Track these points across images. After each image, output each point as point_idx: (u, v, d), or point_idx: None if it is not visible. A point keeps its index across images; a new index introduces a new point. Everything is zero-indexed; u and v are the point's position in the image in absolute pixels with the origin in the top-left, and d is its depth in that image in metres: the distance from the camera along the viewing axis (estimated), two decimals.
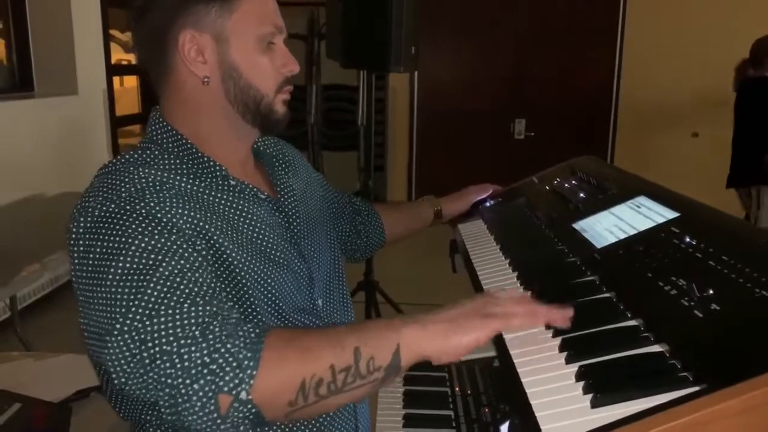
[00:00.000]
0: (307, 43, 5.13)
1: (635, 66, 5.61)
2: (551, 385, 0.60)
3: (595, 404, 0.54)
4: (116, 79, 4.85)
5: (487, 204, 1.32)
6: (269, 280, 0.88)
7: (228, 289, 0.84)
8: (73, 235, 0.80)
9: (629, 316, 0.68)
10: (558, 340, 0.68)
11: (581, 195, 1.09)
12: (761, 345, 0.51)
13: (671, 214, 0.85)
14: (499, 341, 0.73)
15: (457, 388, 1.23)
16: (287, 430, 0.90)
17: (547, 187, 1.22)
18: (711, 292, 0.61)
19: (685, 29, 5.44)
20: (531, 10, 5.68)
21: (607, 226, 0.91)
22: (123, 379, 0.72)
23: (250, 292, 0.85)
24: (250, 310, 0.85)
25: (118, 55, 5.14)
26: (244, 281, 0.85)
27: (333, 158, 5.63)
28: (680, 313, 0.61)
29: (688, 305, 0.62)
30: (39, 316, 3.48)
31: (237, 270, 0.85)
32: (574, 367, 0.61)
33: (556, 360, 0.64)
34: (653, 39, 5.51)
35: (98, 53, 4.52)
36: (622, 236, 0.86)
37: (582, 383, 0.58)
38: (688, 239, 0.75)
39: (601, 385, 0.56)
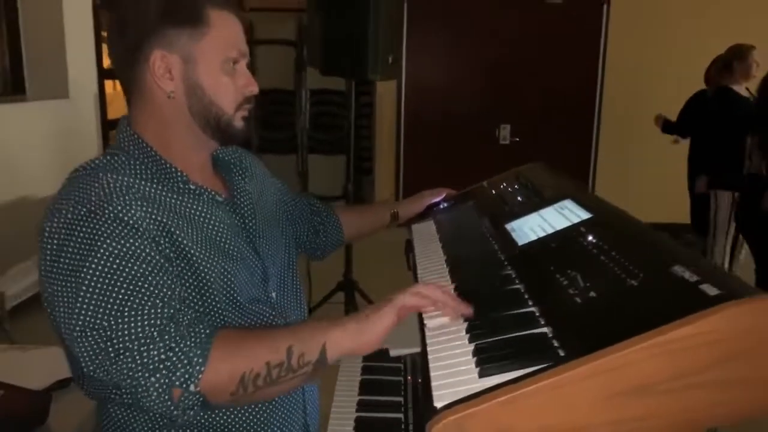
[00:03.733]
0: (296, 49, 5.23)
1: (618, 72, 5.73)
2: (452, 360, 0.70)
3: (481, 374, 0.64)
4: (109, 83, 4.92)
5: (441, 206, 1.41)
6: (226, 274, 0.97)
7: (189, 282, 0.93)
8: (46, 235, 0.88)
9: (530, 303, 0.77)
10: (466, 324, 0.77)
11: (518, 198, 1.18)
12: (615, 325, 0.61)
13: (585, 216, 0.94)
14: (422, 328, 0.83)
15: (410, 377, 1.32)
16: (237, 412, 0.99)
17: (494, 191, 1.32)
18: (590, 283, 0.70)
19: (669, 36, 5.56)
20: (516, 17, 5.79)
21: (532, 226, 1.01)
22: (91, 368, 0.84)
23: (209, 284, 0.95)
24: (209, 300, 0.95)
25: None
26: (203, 275, 0.95)
27: (322, 161, 5.74)
28: (566, 301, 0.71)
29: (573, 294, 0.71)
30: (28, 315, 3.55)
31: (197, 265, 0.94)
32: (473, 347, 0.71)
33: (463, 340, 0.74)
34: (636, 45, 5.63)
35: (90, 57, 4.61)
36: (542, 235, 0.95)
37: (476, 359, 0.68)
38: (590, 237, 0.85)
39: (489, 359, 0.66)
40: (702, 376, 0.56)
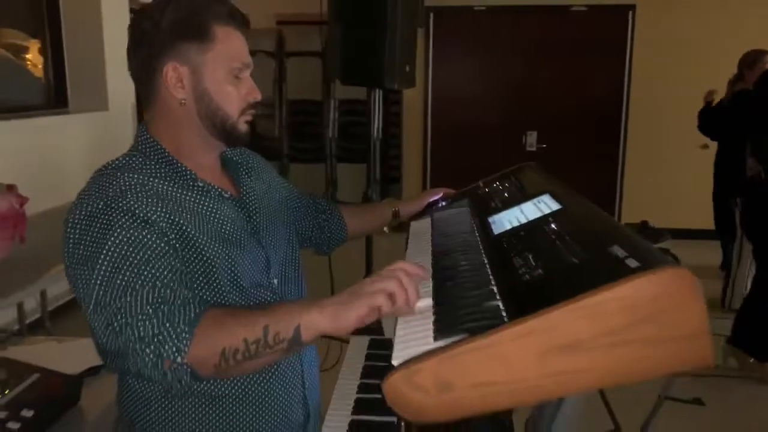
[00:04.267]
0: (324, 60, 5.38)
1: (644, 78, 5.73)
2: (415, 329, 0.79)
3: (435, 338, 0.73)
4: None
5: (440, 205, 1.50)
6: (231, 261, 1.09)
7: (197, 268, 1.05)
8: (69, 226, 1.03)
9: (492, 283, 0.86)
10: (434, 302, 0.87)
11: (505, 195, 1.27)
12: (550, 294, 0.69)
13: (556, 207, 1.03)
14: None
15: None
16: (240, 383, 1.11)
17: (486, 190, 1.41)
18: (540, 263, 0.79)
19: (694, 41, 5.54)
20: (540, 24, 5.84)
21: (510, 218, 1.10)
22: (103, 340, 0.97)
23: (215, 270, 1.07)
24: (215, 285, 1.07)
25: None
26: (210, 261, 1.06)
27: (350, 170, 5.87)
28: (517, 279, 0.80)
29: (524, 272, 0.80)
30: (68, 317, 3.75)
31: (204, 253, 1.06)
32: (434, 318, 0.80)
33: (429, 317, 0.83)
34: (662, 50, 5.63)
35: (127, 73, 4.82)
36: (516, 225, 1.04)
37: (433, 327, 0.77)
38: (553, 225, 0.93)
39: (444, 327, 0.75)
40: (621, 336, 0.64)
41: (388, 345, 1.45)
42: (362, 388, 1.34)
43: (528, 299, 0.72)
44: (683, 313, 0.63)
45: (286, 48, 5.96)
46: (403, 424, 1.09)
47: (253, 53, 1.16)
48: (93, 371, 1.63)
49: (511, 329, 0.65)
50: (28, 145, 3.74)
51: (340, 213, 1.48)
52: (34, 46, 4.43)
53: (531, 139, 5.93)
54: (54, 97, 4.41)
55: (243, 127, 1.14)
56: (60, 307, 3.77)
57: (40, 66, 4.41)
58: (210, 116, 1.11)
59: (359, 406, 1.25)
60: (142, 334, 0.92)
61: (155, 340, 0.92)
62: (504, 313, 0.74)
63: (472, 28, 5.89)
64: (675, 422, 2.95)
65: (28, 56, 4.42)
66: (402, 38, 2.71)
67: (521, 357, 0.66)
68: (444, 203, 1.50)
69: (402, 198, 5.99)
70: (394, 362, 0.70)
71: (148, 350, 0.92)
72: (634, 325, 0.64)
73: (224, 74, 1.10)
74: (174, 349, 0.91)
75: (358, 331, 1.54)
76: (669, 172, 5.73)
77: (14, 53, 4.26)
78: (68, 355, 1.77)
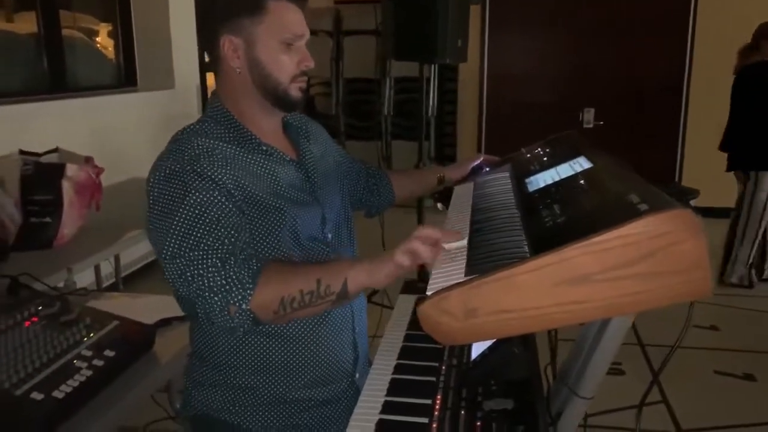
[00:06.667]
0: (378, 38, 5.46)
1: (708, 54, 5.56)
2: (449, 268, 0.89)
3: (466, 273, 0.83)
4: (210, 75, 5.34)
5: (484, 170, 1.59)
6: (292, 218, 1.21)
7: (261, 224, 1.18)
8: (150, 185, 1.16)
9: (521, 231, 0.95)
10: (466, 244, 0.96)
11: (544, 159, 1.34)
12: (567, 235, 0.78)
13: (588, 166, 1.10)
14: None
15: None
16: (295, 326, 1.24)
17: (528, 155, 1.48)
18: (563, 211, 0.87)
19: (759, 16, 5.34)
20: None
21: (546, 178, 1.17)
22: (175, 287, 1.12)
23: (277, 225, 1.19)
24: (277, 238, 1.19)
25: None
26: (273, 219, 1.19)
27: (404, 147, 5.94)
28: (542, 225, 0.88)
29: (548, 220, 0.88)
30: (140, 281, 4.02)
31: (268, 211, 1.19)
32: (466, 259, 0.90)
33: (463, 259, 0.93)
34: (727, 26, 5.44)
35: (192, 52, 5.03)
36: (549, 183, 1.12)
37: (466, 266, 0.86)
38: (581, 181, 1.01)
39: (474, 263, 0.84)
40: (626, 270, 0.72)
41: (419, 301, 1.56)
42: (408, 338, 1.45)
43: (547, 240, 0.80)
44: (683, 249, 0.71)
45: (344, 27, 6.06)
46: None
47: (312, 32, 1.27)
48: (165, 322, 1.79)
49: (528, 263, 0.74)
50: (100, 121, 3.99)
51: (388, 177, 1.58)
52: (104, 29, 4.68)
53: (588, 116, 5.86)
54: (124, 76, 4.66)
55: (295, 93, 1.25)
56: (133, 273, 4.04)
57: (109, 48, 4.66)
58: (263, 83, 1.22)
59: (404, 353, 1.35)
60: (211, 283, 1.06)
61: (223, 289, 1.05)
62: (528, 252, 0.83)
63: (530, 3, 5.84)
64: (727, 396, 2.96)
65: (98, 39, 4.68)
66: (454, 13, 2.77)
67: (536, 288, 0.75)
68: (488, 169, 1.58)
69: None
70: (428, 292, 0.80)
71: (216, 298, 1.05)
72: (638, 260, 0.72)
73: (276, 44, 1.20)
74: (239, 297, 1.05)
75: (407, 290, 1.65)
76: None
77: (87, 36, 4.52)
78: (142, 308, 1.94)
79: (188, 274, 1.07)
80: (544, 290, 0.74)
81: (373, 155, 5.99)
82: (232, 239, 1.09)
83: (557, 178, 1.12)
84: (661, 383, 2.74)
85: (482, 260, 0.87)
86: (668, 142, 5.87)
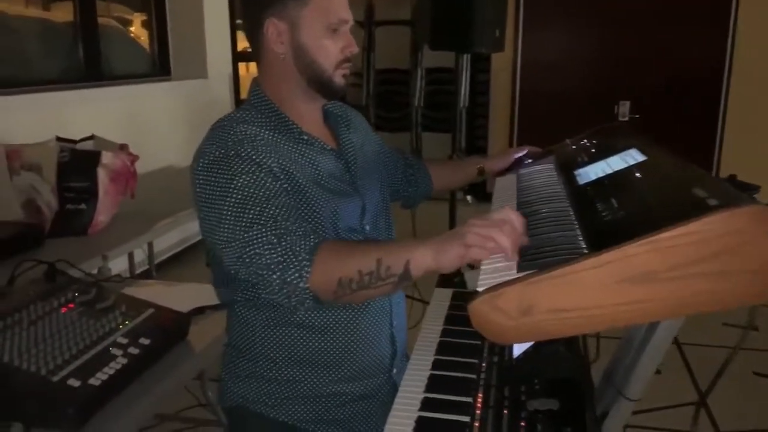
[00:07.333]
0: (412, 29, 5.40)
1: (750, 44, 5.39)
2: (499, 264, 0.85)
3: (519, 269, 0.79)
4: (242, 65, 5.38)
5: (526, 162, 1.54)
6: (332, 206, 1.19)
7: (302, 211, 1.15)
8: (195, 172, 1.14)
9: (576, 225, 0.91)
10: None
11: (592, 150, 1.29)
12: (629, 231, 0.74)
13: (641, 159, 1.05)
14: None
15: None
16: (332, 315, 1.20)
17: (573, 147, 1.43)
18: (622, 205, 0.83)
19: None
20: None
21: (596, 170, 1.13)
22: (233, 270, 1.10)
23: (317, 214, 1.17)
24: (317, 226, 1.16)
25: (245, 44, 5.67)
26: (313, 206, 1.17)
27: (435, 139, 5.89)
28: (599, 220, 0.84)
29: (606, 215, 0.84)
30: (173, 268, 4.05)
31: (309, 199, 1.16)
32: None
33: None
34: None
35: (225, 42, 5.07)
36: (601, 176, 1.07)
37: (518, 261, 0.83)
38: (637, 174, 0.96)
39: (527, 259, 0.80)
40: (693, 269, 0.68)
41: (470, 297, 1.52)
42: (445, 332, 1.41)
43: (607, 235, 0.76)
44: (756, 247, 0.66)
45: (375, 17, 6.02)
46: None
47: None
48: (200, 311, 1.79)
49: (590, 259, 0.70)
50: (134, 110, 4.02)
51: (426, 168, 1.55)
52: (138, 19, 4.71)
53: (623, 109, 5.74)
54: (158, 65, 4.69)
55: (339, 80, 1.22)
56: (166, 260, 4.07)
57: (143, 37, 4.69)
58: (307, 70, 1.20)
59: (442, 348, 1.32)
60: (268, 261, 1.03)
61: (280, 267, 1.02)
62: (585, 248, 0.79)
63: None
64: (766, 398, 2.88)
65: (133, 29, 4.71)
66: (492, 1, 2.71)
67: (597, 285, 0.70)
68: (530, 161, 1.54)
69: None
70: (479, 288, 0.77)
71: (274, 276, 1.03)
72: (707, 258, 0.67)
73: (321, 29, 1.18)
74: (297, 275, 1.01)
75: (443, 284, 1.62)
76: None
77: (122, 26, 4.56)
78: (177, 297, 1.94)
79: (245, 255, 1.06)
80: (605, 288, 0.70)
81: (403, 147, 5.96)
82: (285, 215, 1.07)
83: (609, 171, 1.08)
84: (698, 383, 2.67)
85: (535, 256, 0.83)
86: (706, 137, 5.72)
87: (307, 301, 1.03)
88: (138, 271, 3.25)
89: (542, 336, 0.73)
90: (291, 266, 1.02)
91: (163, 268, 3.96)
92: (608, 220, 0.82)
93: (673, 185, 0.84)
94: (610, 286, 0.70)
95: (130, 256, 2.95)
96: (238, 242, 1.06)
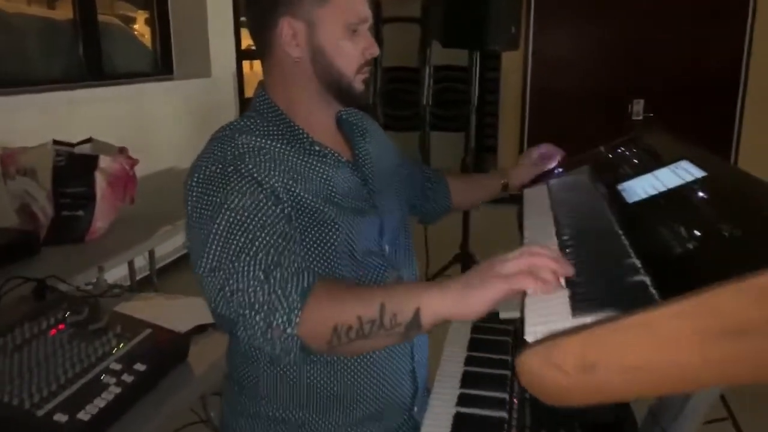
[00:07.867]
0: (421, 26, 5.26)
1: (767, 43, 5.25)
2: (548, 303, 0.72)
3: (574, 314, 0.66)
4: (246, 64, 5.26)
5: (555, 172, 1.41)
6: (347, 227, 1.06)
7: (312, 234, 1.02)
8: (188, 188, 1.01)
9: (632, 255, 0.78)
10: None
11: (634, 161, 1.16)
12: (711, 271, 0.61)
13: (700, 174, 0.92)
14: None
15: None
16: (348, 362, 1.08)
17: (610, 156, 1.30)
18: (691, 233, 0.70)
19: None
20: None
21: (645, 186, 1.00)
22: (212, 305, 0.95)
23: (330, 236, 1.04)
24: (330, 251, 1.03)
25: (249, 41, 5.55)
26: (325, 227, 1.03)
27: (444, 138, 5.76)
28: (667, 252, 0.71)
29: (674, 245, 0.71)
30: (172, 276, 3.93)
31: (320, 219, 1.03)
32: (569, 291, 0.73)
33: (562, 290, 0.76)
34: None
35: (229, 40, 4.94)
36: (653, 193, 0.94)
37: (571, 302, 0.70)
38: (700, 194, 0.83)
39: (584, 301, 0.68)
40: None
41: (493, 318, 1.39)
42: (469, 361, 1.29)
43: (683, 274, 0.63)
44: None
45: (383, 14, 5.88)
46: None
47: None
48: (201, 329, 1.67)
49: (670, 308, 0.57)
50: (136, 109, 3.91)
51: (446, 183, 1.42)
52: (141, 16, 4.60)
53: (637, 108, 5.58)
54: (161, 64, 4.57)
55: (359, 86, 1.09)
56: (167, 265, 3.95)
57: (146, 35, 4.58)
58: (324, 74, 1.07)
59: (467, 380, 1.20)
60: (252, 300, 0.88)
61: (265, 307, 0.87)
62: (653, 290, 0.66)
63: None
64: None
65: (135, 26, 4.60)
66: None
67: (680, 340, 0.58)
68: (560, 170, 1.41)
69: (497, 167, 5.87)
70: (528, 338, 0.64)
71: (258, 317, 0.88)
72: None
73: (341, 30, 1.05)
74: (285, 318, 0.86)
75: None
76: None
77: (123, 24, 4.44)
78: (177, 312, 1.82)
79: (227, 288, 0.91)
80: (690, 343, 0.57)
81: (412, 146, 5.83)
82: (279, 248, 0.92)
83: (662, 188, 0.95)
84: (726, 399, 2.54)
85: (592, 294, 0.70)
86: (722, 138, 5.58)
87: (294, 350, 0.87)
88: (139, 277, 3.14)
89: (607, 397, 0.60)
90: (279, 308, 0.87)
91: (166, 273, 3.84)
92: (678, 252, 0.69)
93: (749, 209, 0.71)
94: (694, 340, 0.57)
95: (131, 264, 2.84)
96: (221, 272, 0.92)
